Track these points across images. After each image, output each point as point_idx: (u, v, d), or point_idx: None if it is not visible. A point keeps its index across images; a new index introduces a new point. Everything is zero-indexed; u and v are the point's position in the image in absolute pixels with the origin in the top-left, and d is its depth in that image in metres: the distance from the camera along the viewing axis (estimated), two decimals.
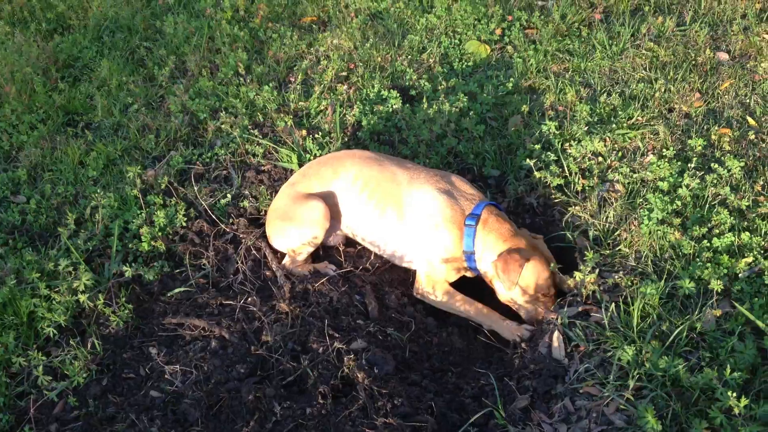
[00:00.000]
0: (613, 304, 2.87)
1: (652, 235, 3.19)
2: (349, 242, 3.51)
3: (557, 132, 3.92)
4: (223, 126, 4.10)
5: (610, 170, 3.70)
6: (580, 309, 2.99)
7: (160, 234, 3.31)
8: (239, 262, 3.27)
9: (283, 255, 3.40)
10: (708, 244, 3.09)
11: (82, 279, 2.87)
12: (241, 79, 4.54)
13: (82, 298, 2.87)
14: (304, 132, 4.01)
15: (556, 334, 2.88)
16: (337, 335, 2.87)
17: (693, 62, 4.48)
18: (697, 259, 3.04)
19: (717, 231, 3.18)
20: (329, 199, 3.29)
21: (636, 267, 3.12)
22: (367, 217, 3.27)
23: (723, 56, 4.54)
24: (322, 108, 4.25)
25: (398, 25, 5.07)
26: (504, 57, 4.72)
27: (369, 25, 5.10)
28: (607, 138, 3.87)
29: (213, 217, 3.50)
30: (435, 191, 3.18)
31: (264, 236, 3.44)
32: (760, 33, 4.67)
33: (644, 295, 2.83)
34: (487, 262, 3.11)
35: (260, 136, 4.04)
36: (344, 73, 4.56)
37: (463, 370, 2.96)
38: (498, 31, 4.87)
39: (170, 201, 3.51)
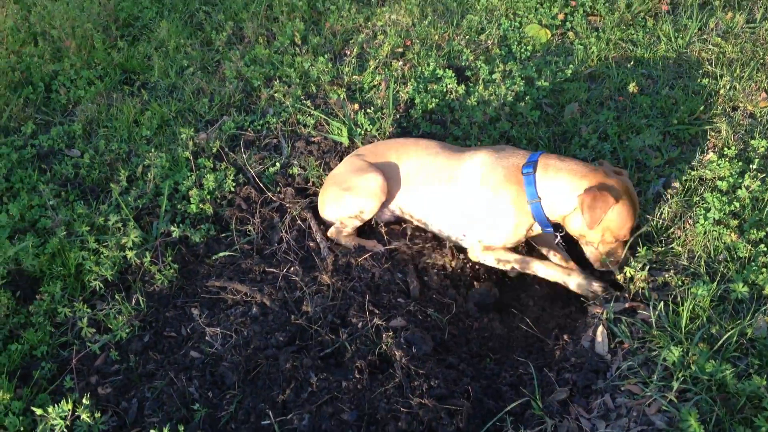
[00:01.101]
0: (662, 303, 2.78)
1: (708, 235, 3.08)
2: (394, 222, 3.47)
3: (615, 123, 3.81)
4: (276, 95, 4.09)
5: (667, 165, 3.58)
6: (626, 305, 2.90)
7: (208, 197, 3.32)
8: (284, 231, 3.26)
9: (327, 227, 3.37)
10: (765, 248, 2.97)
11: (131, 236, 2.89)
12: (297, 48, 4.51)
13: (130, 254, 2.89)
14: (356, 106, 3.96)
15: (600, 328, 2.80)
16: (377, 311, 2.83)
17: (761, 61, 4.29)
18: (753, 263, 2.93)
19: None
20: (387, 175, 3.24)
21: (688, 267, 3.01)
22: (420, 192, 3.22)
23: None
24: (376, 83, 4.19)
25: (458, 4, 4.97)
26: (564, 43, 4.59)
27: (428, 1, 5.01)
28: (667, 132, 3.75)
29: (261, 184, 3.50)
30: (484, 155, 3.10)
31: (310, 207, 3.42)
32: None
33: (695, 296, 2.74)
34: (559, 206, 2.93)
35: (312, 107, 4.01)
36: (400, 50, 4.49)
37: (501, 357, 2.90)
38: (560, 16, 4.73)
39: (220, 165, 3.51)
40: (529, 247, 3.36)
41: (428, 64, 4.28)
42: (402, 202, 3.33)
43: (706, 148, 3.66)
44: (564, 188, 2.91)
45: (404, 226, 3.44)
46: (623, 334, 2.75)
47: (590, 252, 3.05)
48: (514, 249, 3.27)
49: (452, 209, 3.18)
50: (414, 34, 4.63)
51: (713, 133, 3.74)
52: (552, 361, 2.78)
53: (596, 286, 3.00)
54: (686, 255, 3.08)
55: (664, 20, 4.67)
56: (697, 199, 3.30)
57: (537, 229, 3.08)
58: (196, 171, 3.43)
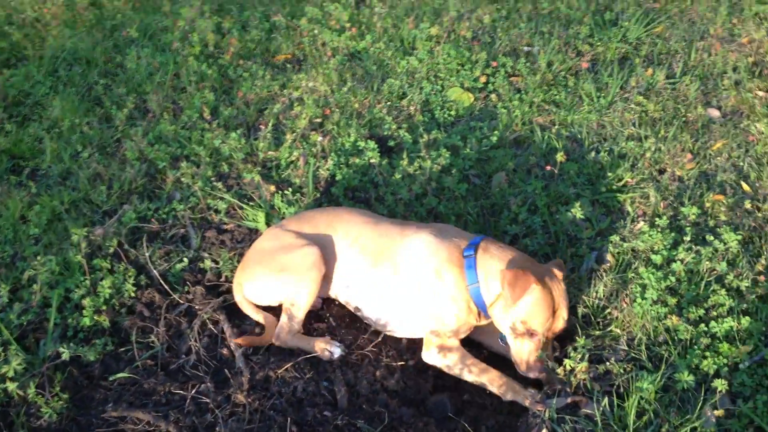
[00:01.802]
0: (606, 398, 2.65)
1: (646, 315, 2.99)
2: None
3: (543, 193, 3.72)
4: (183, 177, 3.83)
5: (598, 237, 3.50)
6: (569, 400, 2.76)
7: (104, 306, 3.02)
8: (193, 339, 2.98)
9: (241, 329, 3.12)
10: (705, 329, 2.90)
11: (12, 363, 2.57)
12: (207, 123, 4.28)
13: (11, 386, 2.57)
14: (272, 187, 3.76)
15: (545, 429, 2.64)
16: None
17: (684, 119, 4.33)
18: (695, 346, 2.85)
19: (715, 313, 2.99)
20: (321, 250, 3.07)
21: (629, 352, 2.91)
22: (360, 273, 3.06)
23: (714, 113, 4.41)
24: (294, 158, 4.01)
25: (378, 67, 4.86)
26: (488, 106, 4.53)
27: (347, 66, 4.88)
28: (596, 201, 3.68)
29: (166, 285, 3.22)
30: (427, 236, 3.00)
31: (223, 308, 3.16)
32: (752, 89, 4.54)
33: (640, 390, 2.61)
34: (492, 289, 2.85)
35: (224, 189, 3.77)
36: (318, 120, 4.33)
37: None
38: (482, 79, 4.68)
39: (119, 266, 3.22)
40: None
41: (349, 135, 4.13)
42: (344, 282, 3.10)
43: (636, 216, 3.60)
44: (496, 270, 2.83)
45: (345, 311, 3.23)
46: None
47: (514, 352, 2.89)
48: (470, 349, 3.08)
49: (398, 294, 3.02)
50: (333, 102, 4.48)
51: (642, 200, 3.69)
52: None
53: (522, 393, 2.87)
54: (625, 338, 2.98)
55: (585, 78, 4.68)
56: (632, 274, 3.22)
57: (479, 319, 2.97)
58: (90, 275, 3.13)
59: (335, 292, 3.19)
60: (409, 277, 2.98)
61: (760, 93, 4.50)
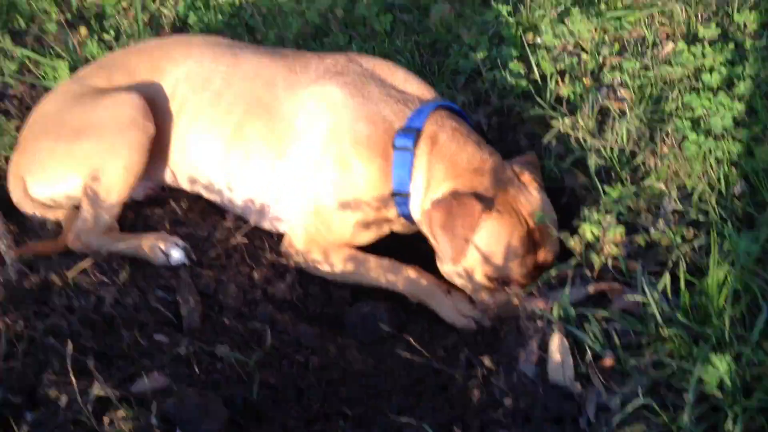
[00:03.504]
0: (664, 277, 1.63)
1: (708, 157, 1.99)
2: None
3: (511, 20, 2.72)
4: None
5: (606, 69, 2.50)
6: (592, 290, 1.74)
7: None
8: None
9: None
10: None
11: None
12: None
13: None
14: (84, 30, 2.88)
15: (556, 339, 1.59)
16: (102, 370, 1.60)
17: None
18: None
19: None
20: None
21: (685, 211, 1.89)
22: (213, 149, 2.19)
23: None
24: (125, 6, 3.08)
25: None
26: None
27: None
28: (595, 25, 2.67)
29: None
30: (335, 93, 2.07)
31: None
32: None
33: (727, 256, 1.60)
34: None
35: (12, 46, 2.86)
36: None
37: (367, 412, 1.68)
38: None
39: None
40: None
41: None
42: (187, 160, 2.23)
43: (657, 39, 2.60)
44: (438, 188, 1.99)
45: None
46: (597, 342, 1.55)
47: (478, 303, 1.98)
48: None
49: (276, 180, 2.15)
50: None
51: (664, 20, 2.70)
52: (466, 410, 1.56)
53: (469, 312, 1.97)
54: (676, 193, 1.96)
55: None
56: (671, 107, 2.22)
57: (401, 226, 2.14)
58: None
59: (177, 176, 2.27)
60: (296, 162, 2.10)
61: None
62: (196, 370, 1.68)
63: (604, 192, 1.95)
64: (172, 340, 1.76)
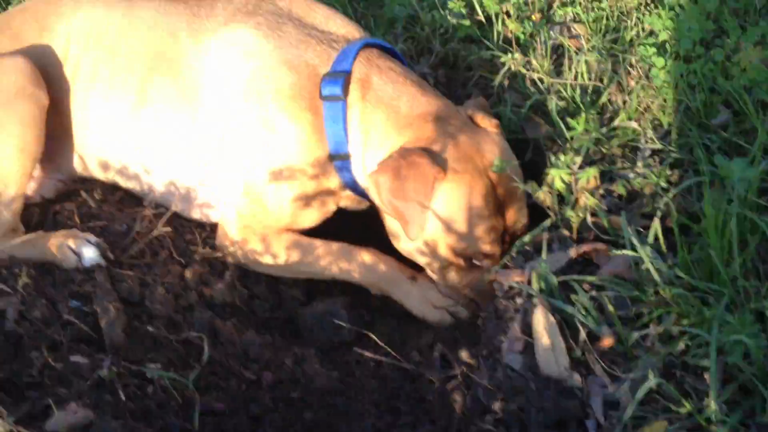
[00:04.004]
0: (654, 228, 1.42)
1: (678, 82, 1.79)
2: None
3: None
4: None
5: (556, 5, 2.27)
6: (573, 253, 1.51)
7: None
8: None
9: None
10: None
11: None
12: None
13: None
14: None
15: (540, 316, 1.36)
16: (7, 403, 1.33)
17: None
18: None
19: None
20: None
21: (666, 150, 1.69)
22: (118, 120, 1.88)
23: None
24: None
25: None
26: None
27: None
28: None
29: None
30: (249, 35, 1.78)
31: None
32: None
33: (723, 192, 1.40)
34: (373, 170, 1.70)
35: None
36: None
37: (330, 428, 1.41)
38: None
39: None
40: None
41: None
42: (88, 139, 1.91)
43: None
44: (379, 142, 1.72)
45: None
46: (589, 317, 1.32)
47: (445, 285, 1.74)
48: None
49: (189, 149, 1.85)
50: None
51: None
52: (450, 422, 1.32)
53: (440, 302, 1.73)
54: (651, 129, 1.75)
55: None
56: (631, 36, 2.01)
57: (349, 200, 1.85)
58: None
59: (86, 162, 1.95)
60: (212, 128, 1.80)
61: None
62: (123, 396, 1.40)
63: (568, 128, 1.72)
64: (92, 361, 1.46)
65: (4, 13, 2.11)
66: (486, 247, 1.62)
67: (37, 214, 1.91)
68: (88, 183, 1.97)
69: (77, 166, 1.96)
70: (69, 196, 1.96)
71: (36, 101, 1.79)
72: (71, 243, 1.69)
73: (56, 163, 1.93)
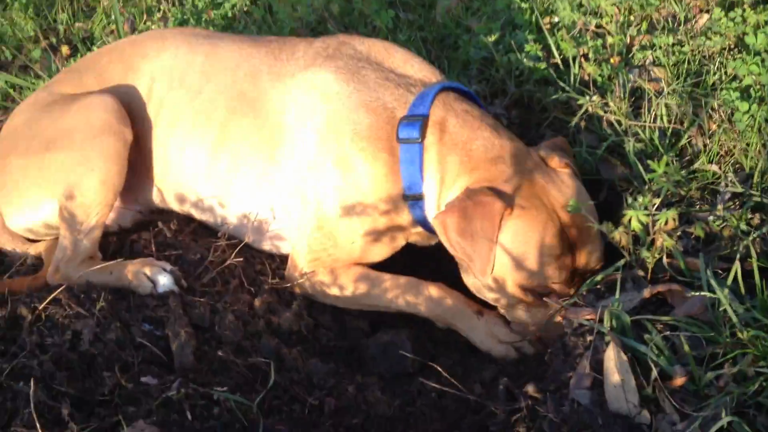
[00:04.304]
0: (734, 270, 1.38)
1: (762, 126, 1.73)
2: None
3: (525, 5, 2.49)
4: None
5: (635, 49, 2.25)
6: (647, 294, 1.47)
7: None
8: None
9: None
10: None
11: None
12: None
13: None
14: (66, 50, 2.77)
15: (611, 354, 1.32)
16: (80, 419, 1.38)
17: None
18: None
19: None
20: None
21: (746, 194, 1.63)
22: (197, 156, 1.94)
23: None
24: (113, 29, 2.92)
25: None
26: None
27: None
28: (615, 1, 2.42)
29: None
30: (329, 78, 1.82)
31: None
32: None
33: None
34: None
35: None
36: None
37: None
38: None
39: None
40: None
41: None
42: (166, 171, 1.98)
43: (690, 14, 2.35)
44: (453, 184, 1.73)
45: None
46: (662, 356, 1.28)
47: (513, 323, 1.73)
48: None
49: (267, 187, 1.90)
50: None
51: None
52: None
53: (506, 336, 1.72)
54: (732, 173, 1.70)
55: None
56: (714, 80, 1.97)
57: (419, 236, 1.88)
58: None
59: (164, 195, 2.02)
60: (290, 166, 1.84)
61: None
62: (189, 416, 1.42)
63: (646, 170, 1.69)
64: (161, 382, 1.51)
65: (92, 53, 2.27)
66: (554, 286, 1.60)
67: (114, 243, 1.98)
68: (165, 214, 2.05)
69: (155, 198, 2.03)
70: (146, 226, 2.03)
71: (120, 137, 1.87)
72: (147, 270, 1.76)
73: (135, 194, 2.01)
